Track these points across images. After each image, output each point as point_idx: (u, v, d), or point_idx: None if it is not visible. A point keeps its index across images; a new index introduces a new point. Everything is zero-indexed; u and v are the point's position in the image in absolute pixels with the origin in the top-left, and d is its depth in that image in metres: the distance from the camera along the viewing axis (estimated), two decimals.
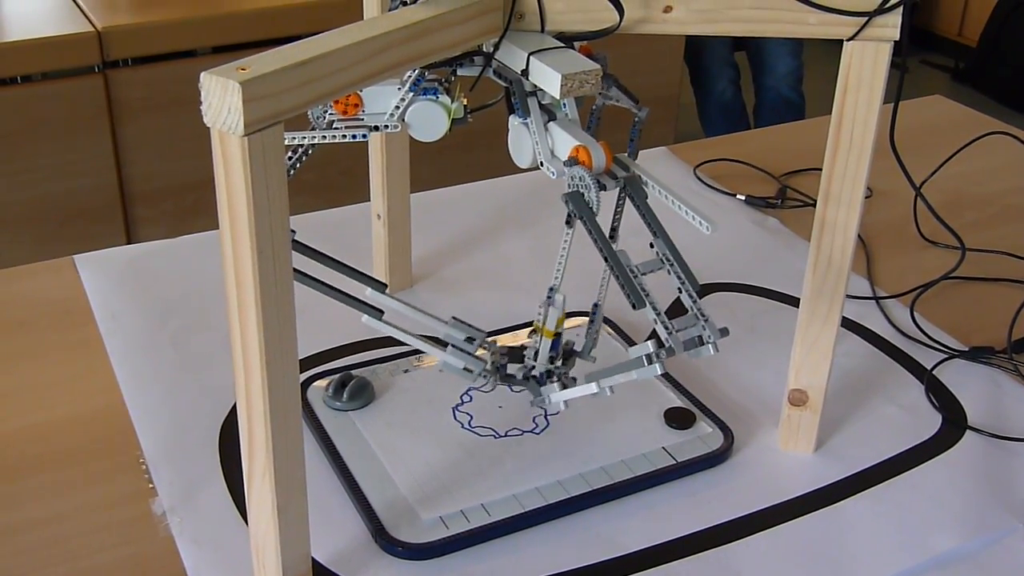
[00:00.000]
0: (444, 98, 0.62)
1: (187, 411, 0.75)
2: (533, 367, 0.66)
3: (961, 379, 0.81)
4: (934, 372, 0.81)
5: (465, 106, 0.63)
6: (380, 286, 0.62)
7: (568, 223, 0.64)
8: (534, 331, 0.66)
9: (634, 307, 0.57)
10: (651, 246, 0.60)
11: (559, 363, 0.66)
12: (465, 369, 0.65)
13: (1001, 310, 0.88)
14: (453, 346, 0.65)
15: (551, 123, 0.61)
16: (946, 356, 0.83)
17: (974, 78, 3.56)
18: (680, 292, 0.60)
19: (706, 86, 2.74)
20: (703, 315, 0.60)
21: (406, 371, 0.77)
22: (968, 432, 0.75)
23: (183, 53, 1.80)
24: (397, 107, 0.62)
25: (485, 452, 0.70)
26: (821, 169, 1.16)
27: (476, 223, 1.02)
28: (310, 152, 0.63)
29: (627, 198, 0.61)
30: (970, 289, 0.93)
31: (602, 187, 0.57)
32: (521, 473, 0.69)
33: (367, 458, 0.70)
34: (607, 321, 0.84)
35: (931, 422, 0.76)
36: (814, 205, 1.07)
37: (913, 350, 0.84)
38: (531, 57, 0.57)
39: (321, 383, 0.76)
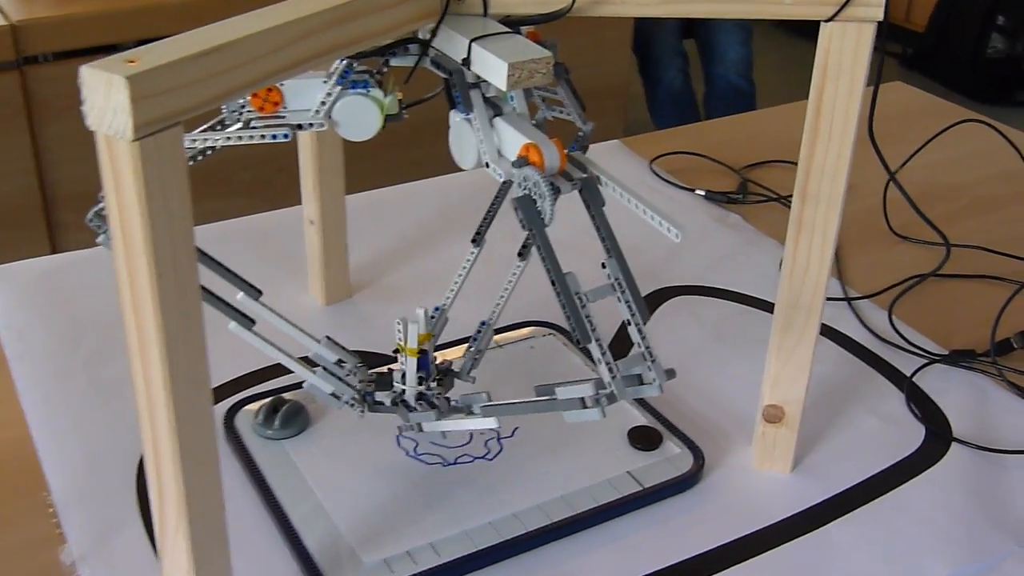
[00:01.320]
0: (376, 92, 0.56)
1: (101, 446, 0.68)
2: (403, 391, 0.60)
3: (943, 385, 0.75)
4: (914, 379, 0.76)
5: (400, 100, 0.57)
6: (254, 292, 0.56)
7: (475, 241, 0.58)
8: (397, 351, 0.60)
9: (577, 343, 0.51)
10: (603, 266, 0.54)
11: (431, 384, 0.60)
12: (333, 395, 0.60)
13: (982, 309, 0.83)
14: (324, 368, 0.59)
15: (497, 119, 0.55)
16: (926, 361, 0.77)
17: (923, 64, 3.55)
18: (629, 325, 0.53)
19: (655, 75, 2.70)
20: (651, 355, 0.53)
21: None
22: (954, 444, 0.70)
23: (106, 47, 1.72)
24: (323, 103, 0.55)
25: (433, 483, 0.64)
26: (783, 161, 1.11)
27: (419, 226, 0.96)
28: (216, 150, 0.56)
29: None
30: (947, 287, 0.88)
31: (556, 191, 0.51)
32: (473, 505, 0.62)
33: (301, 493, 0.63)
34: (563, 332, 0.78)
35: (914, 433, 0.71)
36: (778, 200, 1.03)
37: (890, 355, 0.79)
38: (473, 44, 0.51)
39: (251, 408, 0.70)
